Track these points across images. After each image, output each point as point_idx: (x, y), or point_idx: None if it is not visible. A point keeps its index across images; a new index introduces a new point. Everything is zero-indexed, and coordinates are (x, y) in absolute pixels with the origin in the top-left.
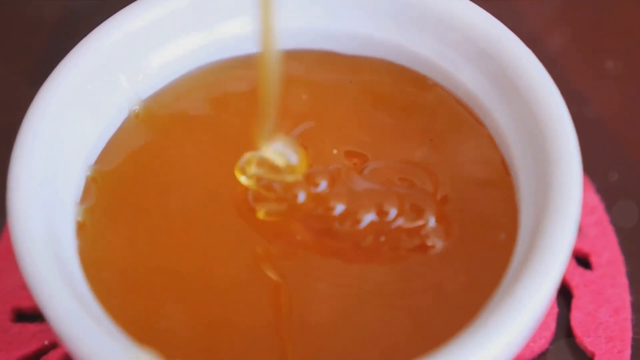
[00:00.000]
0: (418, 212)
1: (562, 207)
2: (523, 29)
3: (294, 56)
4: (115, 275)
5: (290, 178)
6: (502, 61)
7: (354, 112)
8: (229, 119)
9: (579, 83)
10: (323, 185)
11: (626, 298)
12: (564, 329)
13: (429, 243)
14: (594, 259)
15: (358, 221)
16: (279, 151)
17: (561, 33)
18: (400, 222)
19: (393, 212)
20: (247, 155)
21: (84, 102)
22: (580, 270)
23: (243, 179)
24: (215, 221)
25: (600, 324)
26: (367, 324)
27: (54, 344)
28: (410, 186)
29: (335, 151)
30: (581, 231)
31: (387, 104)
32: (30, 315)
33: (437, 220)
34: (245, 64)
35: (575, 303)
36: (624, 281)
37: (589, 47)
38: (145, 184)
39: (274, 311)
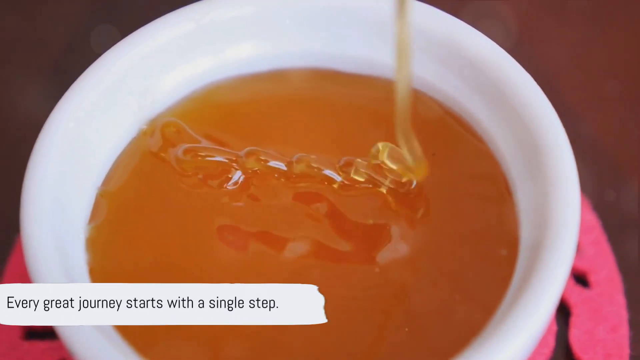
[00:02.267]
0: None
1: (561, 227)
2: (520, 51)
3: (295, 74)
4: None
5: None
6: (500, 83)
7: (353, 129)
8: (233, 136)
9: (575, 103)
10: None
11: (623, 315)
12: (562, 346)
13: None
14: (592, 277)
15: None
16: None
17: (558, 54)
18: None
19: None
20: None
21: (95, 124)
22: (578, 288)
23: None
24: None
25: (598, 341)
26: (366, 339)
27: None
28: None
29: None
30: (579, 250)
31: (388, 121)
32: (40, 333)
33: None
34: (250, 82)
35: (573, 320)
36: (621, 299)
37: (585, 68)
38: (153, 200)
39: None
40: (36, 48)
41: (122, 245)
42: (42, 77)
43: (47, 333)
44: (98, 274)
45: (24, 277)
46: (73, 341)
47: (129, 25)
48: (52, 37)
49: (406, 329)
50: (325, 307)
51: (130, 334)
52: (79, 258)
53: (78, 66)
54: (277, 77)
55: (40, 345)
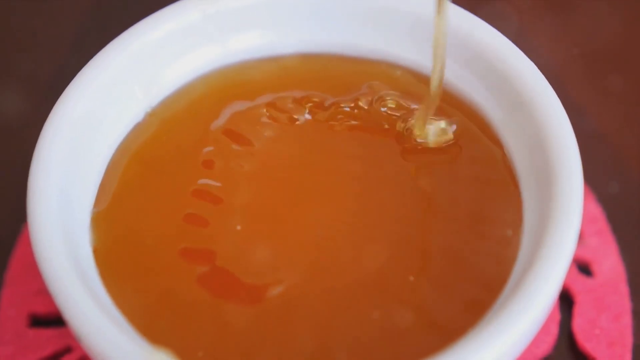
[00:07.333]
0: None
1: (563, 215)
2: (528, 45)
3: (306, 57)
4: (129, 276)
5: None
6: (508, 75)
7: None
8: (236, 121)
9: (581, 97)
10: None
11: (627, 305)
12: (566, 334)
13: None
14: (595, 267)
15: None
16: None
17: (564, 49)
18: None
19: None
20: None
21: (100, 112)
22: (582, 277)
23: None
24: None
25: (601, 330)
26: (369, 317)
27: (68, 348)
28: None
29: None
30: (583, 240)
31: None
32: (45, 320)
33: None
34: (255, 67)
35: (577, 309)
36: (624, 289)
37: (591, 63)
38: (155, 184)
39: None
40: (39, 45)
41: (125, 228)
42: (45, 72)
43: (52, 321)
44: (101, 254)
45: (30, 266)
46: (80, 326)
47: (134, 19)
48: (55, 34)
49: (412, 310)
50: (331, 287)
51: (137, 318)
52: (84, 240)
53: (82, 62)
54: (280, 61)
55: (46, 332)
